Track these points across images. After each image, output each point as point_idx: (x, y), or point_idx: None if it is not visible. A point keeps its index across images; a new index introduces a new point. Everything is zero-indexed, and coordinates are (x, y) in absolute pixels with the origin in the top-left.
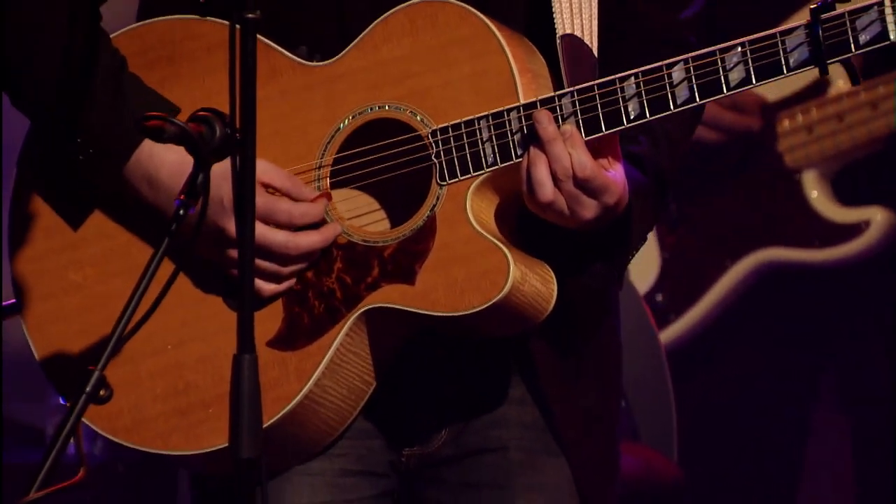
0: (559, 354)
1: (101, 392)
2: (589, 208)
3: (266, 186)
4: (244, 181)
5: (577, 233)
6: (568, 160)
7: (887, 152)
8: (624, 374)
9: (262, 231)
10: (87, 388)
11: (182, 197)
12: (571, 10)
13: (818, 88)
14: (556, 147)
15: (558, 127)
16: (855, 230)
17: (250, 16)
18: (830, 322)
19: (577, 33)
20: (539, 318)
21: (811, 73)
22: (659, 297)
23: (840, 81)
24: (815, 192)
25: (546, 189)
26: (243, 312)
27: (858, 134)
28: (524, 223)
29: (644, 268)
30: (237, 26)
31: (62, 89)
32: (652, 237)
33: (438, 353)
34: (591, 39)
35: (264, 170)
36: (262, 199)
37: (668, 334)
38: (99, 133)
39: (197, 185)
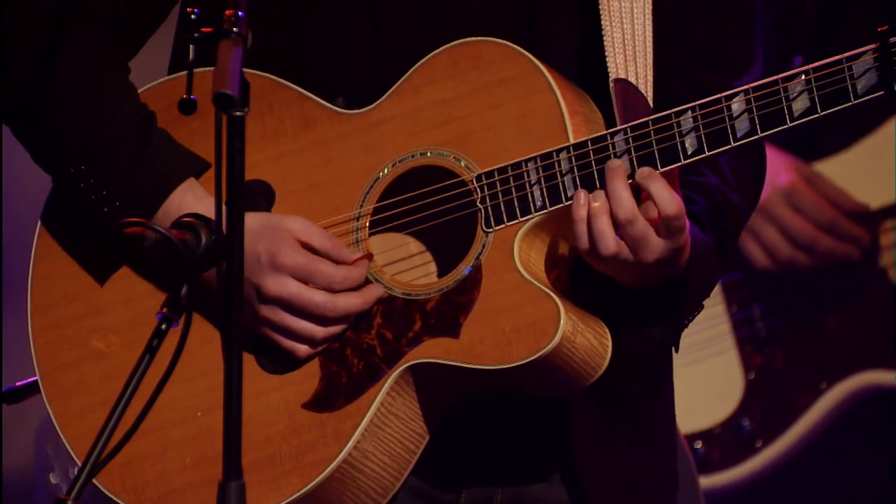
0: (603, 434)
1: None
2: (654, 250)
3: (304, 245)
4: (231, 293)
5: (633, 290)
6: (631, 203)
7: None
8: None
9: (299, 290)
10: None
11: (164, 310)
12: (626, 56)
13: None
14: (622, 192)
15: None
16: None
17: (237, 113)
18: None
19: (632, 80)
20: (591, 376)
21: None
22: (745, 423)
23: None
24: None
25: (608, 241)
26: (229, 435)
27: None
28: (576, 278)
29: (724, 390)
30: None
31: (88, 142)
32: (734, 357)
33: (488, 418)
34: (647, 88)
35: (302, 228)
36: (301, 259)
37: (756, 463)
38: (125, 186)
39: (181, 298)
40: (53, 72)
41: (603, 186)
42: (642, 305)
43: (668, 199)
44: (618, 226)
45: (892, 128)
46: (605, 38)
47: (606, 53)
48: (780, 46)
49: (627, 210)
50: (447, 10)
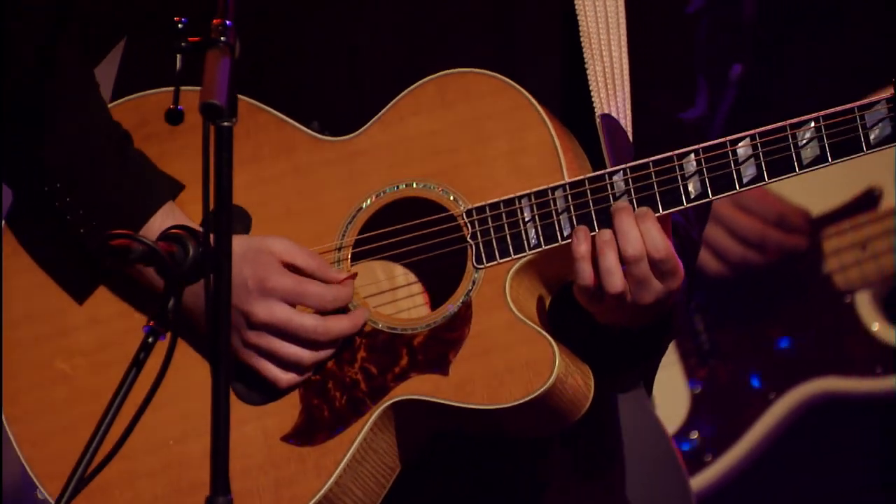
0: (580, 477)
1: None
2: (653, 291)
3: (288, 266)
4: (219, 309)
5: (620, 332)
6: (641, 242)
7: None
8: None
9: (290, 315)
10: None
11: (152, 323)
12: (607, 90)
13: (868, 201)
14: (631, 230)
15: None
16: None
17: (226, 124)
18: (884, 458)
19: (613, 114)
20: (575, 416)
21: (859, 184)
22: (693, 437)
23: (893, 194)
24: (873, 315)
25: (616, 278)
26: (217, 450)
27: None
28: (560, 319)
29: (669, 404)
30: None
31: (68, 160)
32: (679, 370)
33: (460, 455)
34: (626, 124)
35: (285, 248)
36: (290, 282)
37: (705, 477)
38: (105, 206)
39: (168, 311)
40: (43, 86)
41: (602, 227)
42: (632, 348)
43: (659, 240)
44: (623, 263)
45: None
46: (588, 71)
47: (591, 88)
48: (715, 56)
49: (637, 248)
50: (423, 47)
